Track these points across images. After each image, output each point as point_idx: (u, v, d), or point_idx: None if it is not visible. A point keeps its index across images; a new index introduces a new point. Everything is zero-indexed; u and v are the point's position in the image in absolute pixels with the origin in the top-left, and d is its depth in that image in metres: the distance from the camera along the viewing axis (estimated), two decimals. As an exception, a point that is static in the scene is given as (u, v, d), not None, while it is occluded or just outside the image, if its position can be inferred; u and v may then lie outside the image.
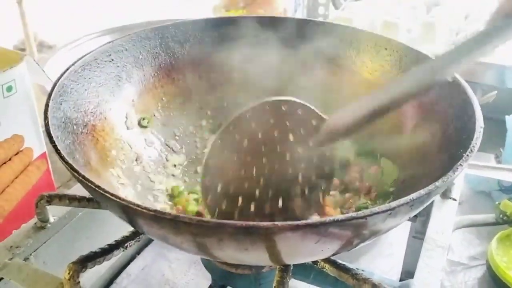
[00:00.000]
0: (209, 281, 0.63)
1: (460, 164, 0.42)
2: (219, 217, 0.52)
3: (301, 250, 0.40)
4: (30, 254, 0.56)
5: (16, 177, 0.68)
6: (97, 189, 0.38)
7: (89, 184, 0.38)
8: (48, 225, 0.59)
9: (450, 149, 0.51)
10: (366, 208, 0.55)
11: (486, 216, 0.77)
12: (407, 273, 0.72)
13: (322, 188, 0.56)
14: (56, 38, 1.54)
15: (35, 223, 0.58)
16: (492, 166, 0.79)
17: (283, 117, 0.52)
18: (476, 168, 0.78)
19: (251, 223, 0.36)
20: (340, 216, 0.36)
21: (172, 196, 0.61)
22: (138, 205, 0.36)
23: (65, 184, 0.87)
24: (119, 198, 0.37)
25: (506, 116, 0.88)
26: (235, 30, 0.68)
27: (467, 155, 0.43)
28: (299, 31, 0.69)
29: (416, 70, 0.54)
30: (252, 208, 0.52)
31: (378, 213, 0.37)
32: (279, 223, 0.35)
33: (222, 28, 0.69)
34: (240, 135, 0.52)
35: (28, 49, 1.36)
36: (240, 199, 0.52)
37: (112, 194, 0.37)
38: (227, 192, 0.52)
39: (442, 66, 0.50)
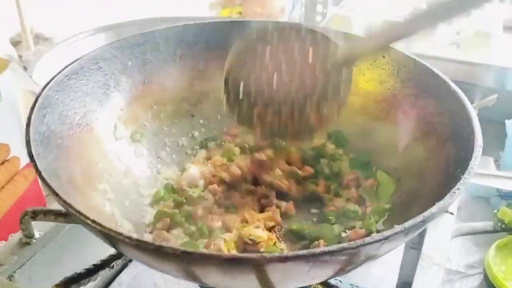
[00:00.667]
0: (201, 293, 0.62)
1: (458, 188, 0.41)
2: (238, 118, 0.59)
3: (292, 278, 0.39)
4: (15, 271, 0.55)
5: (2, 187, 0.66)
6: (77, 214, 0.36)
7: (70, 209, 0.37)
8: (34, 240, 0.57)
9: (448, 167, 0.50)
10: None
11: (484, 224, 0.76)
12: (403, 284, 0.70)
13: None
14: (53, 30, 1.52)
15: (20, 239, 0.57)
16: (491, 173, 0.78)
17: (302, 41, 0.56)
18: (474, 176, 0.77)
19: (238, 255, 0.35)
20: (331, 247, 0.35)
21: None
22: (120, 234, 0.35)
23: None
24: (100, 225, 0.35)
25: (506, 121, 0.86)
26: (226, 35, 0.66)
27: (465, 177, 0.42)
28: (291, 37, 0.67)
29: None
30: (269, 113, 0.58)
31: (371, 243, 0.36)
32: (267, 255, 0.34)
33: (213, 34, 0.67)
34: (261, 49, 0.57)
35: (25, 42, 1.33)
36: (258, 103, 0.58)
37: (93, 221, 0.35)
38: (247, 96, 0.57)
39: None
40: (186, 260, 0.35)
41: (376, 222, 0.56)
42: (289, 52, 0.56)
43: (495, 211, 0.75)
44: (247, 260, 0.34)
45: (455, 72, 0.80)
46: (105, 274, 0.50)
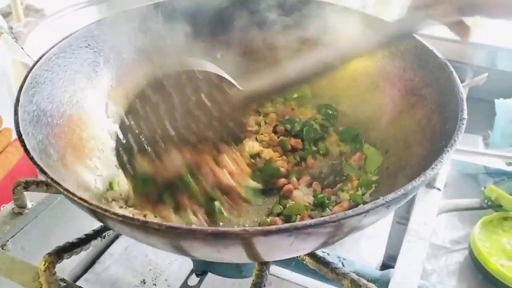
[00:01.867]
0: (192, 263, 0.63)
1: (440, 161, 0.41)
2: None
3: (276, 250, 0.40)
4: (7, 241, 0.56)
5: (-5, 159, 0.67)
6: (65, 192, 0.37)
7: (58, 187, 0.37)
8: (26, 210, 0.58)
9: (434, 139, 0.50)
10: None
11: (470, 200, 0.77)
12: (390, 257, 0.72)
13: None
14: (43, 1, 1.49)
15: (12, 209, 0.58)
16: (479, 152, 0.79)
17: (198, 84, 0.52)
18: (462, 154, 0.78)
19: (221, 229, 0.35)
20: (313, 221, 0.35)
21: None
22: (106, 210, 0.35)
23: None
24: (87, 202, 0.36)
25: (496, 100, 0.87)
26: (215, 10, 0.67)
27: (447, 150, 0.42)
28: (282, 10, 0.67)
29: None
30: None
31: (352, 216, 0.36)
32: (249, 229, 0.34)
33: (202, 8, 0.66)
34: (156, 98, 0.52)
35: (15, 13, 1.32)
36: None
37: (80, 198, 0.36)
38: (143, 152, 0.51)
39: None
40: (171, 235, 0.36)
41: (363, 194, 0.56)
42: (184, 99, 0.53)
43: (482, 188, 0.76)
44: (230, 234, 0.35)
45: (447, 51, 0.79)
46: (97, 244, 0.51)
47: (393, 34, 0.54)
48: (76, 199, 0.36)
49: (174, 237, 0.35)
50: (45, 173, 0.38)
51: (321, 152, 0.65)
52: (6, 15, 1.34)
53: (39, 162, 0.39)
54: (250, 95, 0.54)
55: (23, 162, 0.71)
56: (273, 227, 0.34)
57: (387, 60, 0.62)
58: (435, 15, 0.51)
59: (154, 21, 0.64)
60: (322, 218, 0.35)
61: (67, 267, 0.68)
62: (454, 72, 0.53)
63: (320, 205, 0.58)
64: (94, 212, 0.36)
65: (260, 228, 0.34)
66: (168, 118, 0.51)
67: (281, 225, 0.35)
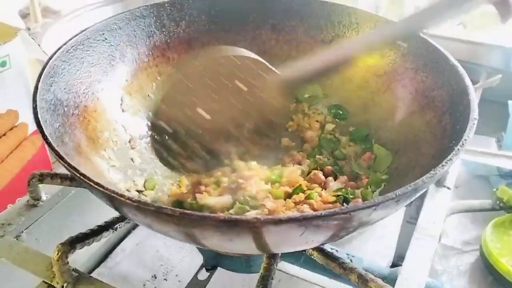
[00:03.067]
0: (201, 259, 0.63)
1: (450, 159, 0.41)
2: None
3: (286, 241, 0.40)
4: (22, 232, 0.57)
5: (11, 152, 0.68)
6: (81, 177, 0.38)
7: (75, 172, 0.38)
8: (41, 203, 0.59)
9: (444, 139, 0.50)
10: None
11: (482, 201, 0.77)
12: (400, 257, 0.72)
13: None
14: (61, 3, 1.51)
15: (27, 201, 0.59)
16: (491, 152, 0.78)
17: (236, 69, 0.54)
18: (475, 155, 0.78)
19: (233, 217, 0.36)
20: (323, 212, 0.36)
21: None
22: (122, 195, 0.36)
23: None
24: (103, 187, 0.36)
25: (509, 101, 0.87)
26: (230, 8, 0.67)
27: (458, 148, 0.42)
28: (296, 10, 0.67)
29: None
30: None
31: (362, 208, 0.37)
32: (261, 217, 0.35)
33: (218, 7, 0.67)
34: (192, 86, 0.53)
35: (32, 14, 1.34)
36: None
37: (96, 183, 0.37)
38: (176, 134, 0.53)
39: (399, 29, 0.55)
40: (184, 222, 0.36)
41: (373, 192, 0.57)
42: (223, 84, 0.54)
43: (494, 189, 0.76)
44: (242, 222, 0.35)
45: (460, 52, 0.80)
46: (109, 235, 0.51)
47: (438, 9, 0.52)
48: (92, 184, 0.37)
49: (187, 223, 0.36)
50: (62, 158, 0.38)
51: (339, 158, 0.64)
52: (24, 16, 1.36)
53: (56, 148, 0.39)
54: (288, 79, 0.55)
55: (38, 156, 0.72)
56: (284, 216, 0.35)
57: (399, 62, 0.62)
58: None
59: (169, 17, 0.65)
60: (333, 210, 0.36)
61: (80, 261, 0.69)
62: (465, 74, 0.53)
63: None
64: (110, 198, 0.36)
65: (271, 217, 0.35)
66: (204, 105, 0.53)
67: (291, 214, 0.35)
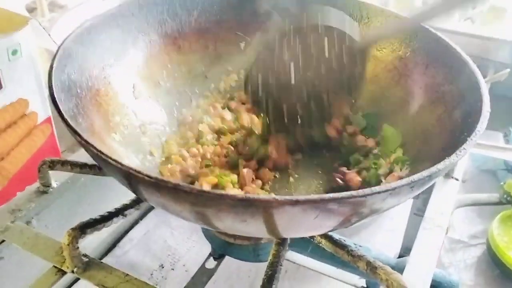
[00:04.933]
0: (209, 248, 0.64)
1: (464, 148, 0.41)
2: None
3: (299, 224, 0.40)
4: (32, 218, 0.57)
5: (21, 141, 0.68)
6: (99, 153, 0.38)
7: (92, 148, 0.38)
8: (51, 189, 0.59)
9: (455, 132, 0.50)
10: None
11: (489, 195, 0.77)
12: (407, 250, 0.72)
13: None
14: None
15: (38, 188, 0.59)
16: (499, 146, 0.78)
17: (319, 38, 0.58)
18: (482, 148, 0.78)
19: (251, 195, 0.36)
20: (340, 194, 0.36)
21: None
22: (139, 172, 0.36)
23: (69, 149, 0.86)
24: (121, 164, 0.36)
25: (517, 97, 0.87)
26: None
27: (471, 139, 0.42)
28: (308, 3, 0.68)
29: None
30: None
31: (378, 192, 0.37)
32: (278, 197, 0.35)
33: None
34: (279, 50, 0.59)
35: (39, 8, 1.34)
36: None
37: (114, 160, 0.37)
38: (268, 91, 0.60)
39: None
40: (201, 199, 0.36)
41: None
42: (307, 49, 0.59)
43: (502, 183, 0.76)
44: (259, 201, 0.35)
45: (469, 46, 0.79)
46: (118, 221, 0.51)
47: None
48: (110, 160, 0.37)
49: (204, 202, 0.36)
50: (77, 133, 0.38)
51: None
52: (31, 10, 1.36)
53: (72, 124, 0.39)
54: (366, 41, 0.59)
55: (47, 145, 0.73)
56: (302, 197, 0.35)
57: (410, 57, 0.62)
58: None
59: (182, 6, 0.65)
60: (349, 192, 0.36)
61: (88, 249, 0.69)
62: (477, 70, 0.53)
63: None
64: (128, 175, 0.36)
65: (288, 197, 0.35)
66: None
67: (308, 196, 0.35)
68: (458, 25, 0.96)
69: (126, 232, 0.77)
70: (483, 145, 0.79)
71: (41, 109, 0.71)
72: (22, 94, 0.68)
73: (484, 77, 0.88)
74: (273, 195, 0.34)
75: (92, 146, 0.38)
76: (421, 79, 0.61)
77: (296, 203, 0.35)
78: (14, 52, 0.65)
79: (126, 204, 0.53)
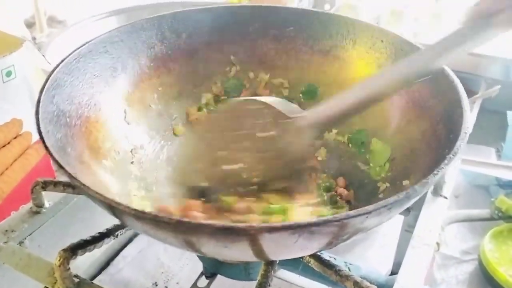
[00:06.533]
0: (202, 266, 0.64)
1: (442, 167, 0.42)
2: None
3: (282, 248, 0.41)
4: (25, 238, 0.58)
5: (15, 160, 0.69)
6: (82, 186, 0.39)
7: (75, 181, 0.39)
8: (43, 210, 0.60)
9: (439, 149, 0.51)
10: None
11: (481, 211, 0.78)
12: (398, 266, 0.72)
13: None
14: (66, 13, 1.54)
15: (31, 208, 0.60)
16: (490, 162, 0.79)
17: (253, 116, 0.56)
18: (474, 165, 0.78)
19: (229, 224, 0.37)
20: (315, 219, 0.36)
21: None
22: (119, 204, 0.37)
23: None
24: (102, 196, 0.37)
25: (508, 111, 0.87)
26: (231, 20, 0.68)
27: (450, 157, 0.43)
28: (295, 21, 0.69)
29: (397, 65, 0.57)
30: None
31: (354, 216, 0.37)
32: (256, 225, 0.36)
33: (219, 18, 0.69)
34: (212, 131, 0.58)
35: (38, 23, 1.36)
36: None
37: (96, 192, 0.38)
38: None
39: (423, 61, 0.53)
40: (181, 229, 0.37)
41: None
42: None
43: (493, 199, 0.76)
44: (236, 229, 0.36)
45: (460, 63, 0.80)
46: (110, 242, 0.52)
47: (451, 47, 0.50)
48: (91, 193, 0.38)
49: (184, 231, 0.37)
50: (63, 168, 0.40)
51: None
52: (30, 25, 1.38)
53: (57, 158, 0.41)
54: (312, 122, 0.54)
55: (42, 164, 0.74)
56: (277, 224, 0.36)
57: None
58: (499, 23, 0.47)
59: (170, 29, 0.66)
60: (325, 217, 0.37)
61: (82, 268, 0.70)
62: (459, 84, 0.53)
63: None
64: (109, 206, 0.37)
65: (265, 224, 0.36)
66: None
67: (284, 222, 0.36)
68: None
69: (120, 250, 0.77)
70: (475, 162, 0.79)
71: (35, 129, 0.72)
72: (16, 114, 0.69)
73: (476, 93, 0.89)
74: (249, 223, 0.35)
75: (75, 178, 0.39)
76: (407, 94, 0.61)
77: (273, 229, 0.36)
78: (8, 74, 0.66)
79: (117, 225, 0.54)
